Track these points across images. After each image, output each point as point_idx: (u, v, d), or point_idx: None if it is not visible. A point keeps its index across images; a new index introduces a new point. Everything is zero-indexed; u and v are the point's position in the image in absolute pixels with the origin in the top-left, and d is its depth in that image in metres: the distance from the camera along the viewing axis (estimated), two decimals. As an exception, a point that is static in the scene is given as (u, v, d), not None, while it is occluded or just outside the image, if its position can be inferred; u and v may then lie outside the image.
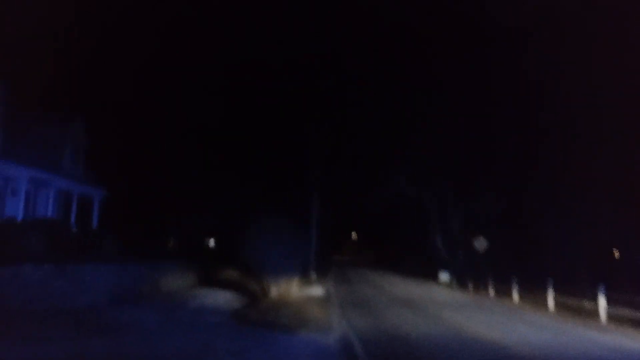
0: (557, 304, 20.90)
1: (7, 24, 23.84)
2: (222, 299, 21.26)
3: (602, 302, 17.86)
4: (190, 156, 33.16)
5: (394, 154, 35.05)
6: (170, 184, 32.59)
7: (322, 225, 36.28)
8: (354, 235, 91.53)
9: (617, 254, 33.42)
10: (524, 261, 30.11)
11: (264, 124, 33.53)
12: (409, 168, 34.89)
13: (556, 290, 21.08)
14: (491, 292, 27.29)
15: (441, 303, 22.58)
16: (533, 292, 22.74)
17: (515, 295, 24.16)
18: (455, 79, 32.54)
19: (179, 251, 31.47)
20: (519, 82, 30.60)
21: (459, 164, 33.44)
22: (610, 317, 17.66)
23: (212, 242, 37.97)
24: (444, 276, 36.12)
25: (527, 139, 31.73)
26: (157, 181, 32.02)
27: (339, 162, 35.58)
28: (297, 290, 24.87)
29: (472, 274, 31.09)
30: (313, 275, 33.73)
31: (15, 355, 9.53)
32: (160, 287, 21.26)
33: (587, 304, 19.51)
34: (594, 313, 18.26)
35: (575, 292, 20.89)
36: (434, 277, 37.03)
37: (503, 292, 25.67)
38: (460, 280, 33.04)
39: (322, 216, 36.17)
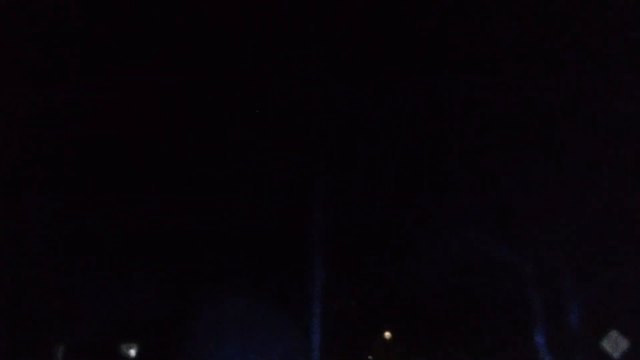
0: None
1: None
2: None
3: None
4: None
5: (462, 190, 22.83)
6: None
7: (328, 315, 23.10)
8: (387, 334, 57.06)
9: None
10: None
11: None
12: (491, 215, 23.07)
13: None
14: None
15: None
16: None
17: None
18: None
19: None
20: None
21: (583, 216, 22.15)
22: None
23: (133, 352, 24.08)
24: None
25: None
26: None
27: (358, 199, 23.34)
28: None
29: None
30: None
31: None
32: None
33: None
34: None
35: None
36: None
37: None
38: None
39: (332, 298, 23.11)
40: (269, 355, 18.62)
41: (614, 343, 20.47)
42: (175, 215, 21.57)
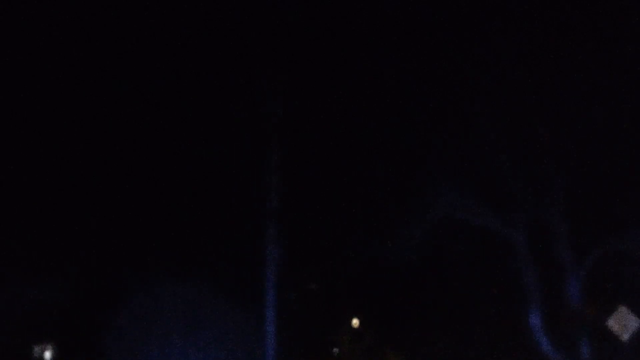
0: None
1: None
2: None
3: None
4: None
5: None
6: None
7: (288, 302, 20.69)
8: (355, 321, 52.26)
9: None
10: None
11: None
12: (476, 177, 21.12)
13: None
14: None
15: None
16: None
17: None
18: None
19: None
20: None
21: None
22: None
23: (48, 354, 21.37)
24: None
25: None
26: None
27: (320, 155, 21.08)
28: None
29: None
30: None
31: None
32: None
33: None
34: None
35: None
36: None
37: None
38: None
39: (289, 281, 20.65)
40: (215, 353, 16.07)
41: (622, 322, 18.74)
42: (100, 185, 18.92)
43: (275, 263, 19.22)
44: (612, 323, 18.71)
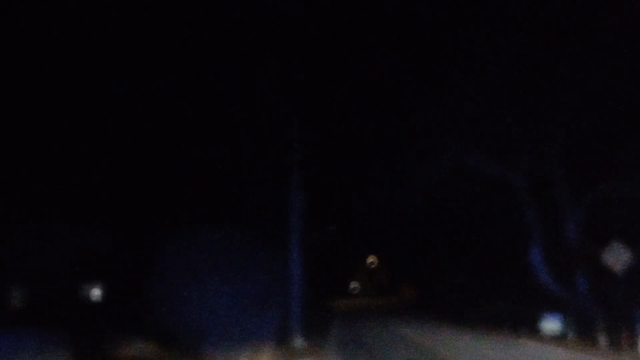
0: None
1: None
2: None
3: None
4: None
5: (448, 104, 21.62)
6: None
7: (313, 244, 21.92)
8: (371, 259, 53.77)
9: None
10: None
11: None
12: (481, 128, 21.87)
13: None
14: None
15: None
16: None
17: None
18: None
19: (35, 311, 19.61)
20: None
21: (577, 118, 21.13)
22: None
23: (96, 293, 23.24)
24: (551, 324, 22.56)
25: None
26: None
27: (339, 118, 22.09)
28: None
29: (604, 316, 19.99)
30: (298, 341, 19.73)
31: None
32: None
33: None
34: None
35: None
36: (531, 327, 23.44)
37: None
38: (582, 328, 21.07)
39: (311, 224, 21.95)
40: (246, 290, 17.49)
41: (617, 255, 19.61)
42: (141, 141, 20.29)
43: (299, 208, 20.41)
44: (607, 257, 19.49)
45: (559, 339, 21.52)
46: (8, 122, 18.61)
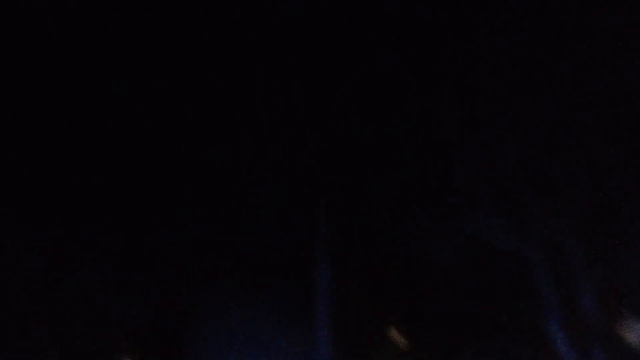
0: None
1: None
2: None
3: None
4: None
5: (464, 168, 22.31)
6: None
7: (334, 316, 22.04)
8: (393, 331, 51.26)
9: None
10: None
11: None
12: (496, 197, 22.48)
13: None
14: None
15: None
16: None
17: None
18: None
19: None
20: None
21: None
22: None
23: None
24: None
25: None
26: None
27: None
28: None
29: None
30: None
31: None
32: None
33: None
34: None
35: None
36: None
37: None
38: None
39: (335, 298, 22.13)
40: None
41: (632, 327, 20.21)
42: (173, 216, 20.77)
43: (326, 282, 20.85)
44: (623, 329, 20.03)
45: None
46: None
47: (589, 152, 21.33)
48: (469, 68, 22.51)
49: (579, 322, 22.28)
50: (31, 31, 20.40)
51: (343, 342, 23.31)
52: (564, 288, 22.57)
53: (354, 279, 24.84)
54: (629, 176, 21.03)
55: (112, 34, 21.01)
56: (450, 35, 22.58)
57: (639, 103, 20.12)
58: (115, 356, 22.13)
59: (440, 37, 22.63)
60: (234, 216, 21.17)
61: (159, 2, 21.18)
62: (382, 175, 23.42)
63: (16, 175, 20.08)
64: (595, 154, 21.26)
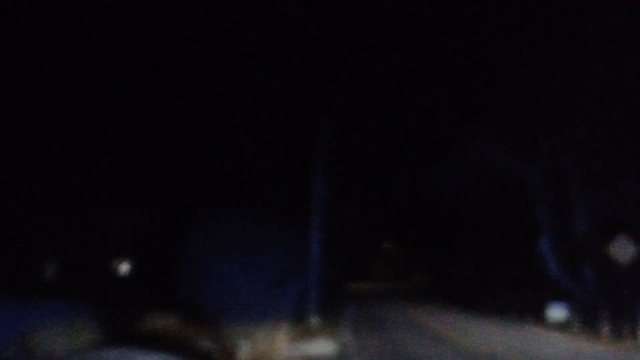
0: None
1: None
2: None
3: None
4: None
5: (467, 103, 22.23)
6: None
7: (332, 228, 22.57)
8: (388, 245, 55.01)
9: None
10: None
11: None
12: (498, 124, 22.46)
13: None
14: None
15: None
16: None
17: None
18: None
19: (66, 283, 20.54)
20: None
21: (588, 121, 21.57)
22: None
23: (124, 268, 24.18)
24: (556, 312, 23.18)
25: None
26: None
27: (363, 109, 22.58)
28: (287, 350, 16.65)
29: (607, 306, 20.40)
30: (314, 321, 21.09)
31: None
32: (33, 347, 15.16)
33: None
34: None
35: None
36: (538, 314, 24.06)
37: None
38: (587, 317, 21.55)
39: (331, 209, 22.63)
40: (267, 270, 18.15)
41: (623, 250, 20.07)
42: (171, 128, 20.93)
43: (320, 193, 21.22)
44: (613, 250, 19.95)
45: (563, 326, 22.01)
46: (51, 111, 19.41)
47: (594, 90, 21.36)
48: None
49: (571, 243, 23.13)
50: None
51: (338, 256, 24.03)
52: (559, 211, 23.16)
53: (353, 195, 25.35)
54: (629, 114, 21.01)
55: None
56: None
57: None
58: (115, 261, 22.95)
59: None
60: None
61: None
62: (389, 98, 23.57)
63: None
64: (600, 93, 21.35)
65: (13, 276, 18.52)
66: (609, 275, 21.37)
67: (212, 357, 16.00)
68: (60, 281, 21.13)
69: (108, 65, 20.20)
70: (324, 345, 17.82)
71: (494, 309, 28.13)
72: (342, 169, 23.49)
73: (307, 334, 18.94)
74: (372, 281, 59.83)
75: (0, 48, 18.37)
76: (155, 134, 20.50)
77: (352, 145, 23.65)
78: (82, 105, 19.82)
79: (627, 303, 19.76)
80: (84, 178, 20.54)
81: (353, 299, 36.88)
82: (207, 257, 17.90)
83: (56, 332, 16.20)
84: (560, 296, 23.42)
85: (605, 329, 19.53)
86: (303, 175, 21.45)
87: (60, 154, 19.92)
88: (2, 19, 18.80)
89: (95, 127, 19.99)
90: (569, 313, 22.82)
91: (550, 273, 23.14)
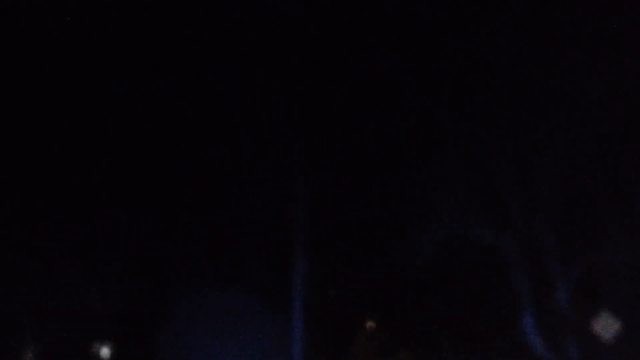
0: None
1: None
2: None
3: None
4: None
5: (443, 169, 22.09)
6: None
7: (311, 306, 22.14)
8: (370, 325, 53.41)
9: None
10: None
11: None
12: (474, 196, 22.40)
13: None
14: None
15: None
16: None
17: None
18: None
19: None
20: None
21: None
22: None
23: (105, 352, 23.19)
24: None
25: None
26: None
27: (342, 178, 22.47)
28: None
29: None
30: None
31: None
32: None
33: None
34: None
35: None
36: None
37: None
38: None
39: (312, 287, 22.22)
40: (249, 351, 17.88)
41: (607, 326, 20.26)
42: (149, 204, 20.67)
43: (303, 274, 20.89)
44: (596, 325, 20.08)
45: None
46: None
47: (567, 152, 21.38)
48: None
49: (554, 318, 22.57)
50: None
51: (320, 334, 23.51)
52: (539, 284, 22.77)
53: (333, 271, 24.99)
54: (606, 176, 21.05)
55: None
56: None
57: (616, 105, 20.28)
58: (93, 344, 22.17)
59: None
60: (212, 205, 21.13)
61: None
62: (365, 173, 23.51)
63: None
64: (573, 153, 21.34)
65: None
66: (593, 350, 21.03)
67: None
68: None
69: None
70: None
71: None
72: (323, 247, 23.33)
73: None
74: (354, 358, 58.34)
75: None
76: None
77: (331, 220, 23.56)
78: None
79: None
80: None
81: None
82: (187, 339, 17.62)
83: None
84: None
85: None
86: (282, 252, 21.21)
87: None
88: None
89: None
90: (554, 390, 21.87)
91: (534, 349, 22.74)
